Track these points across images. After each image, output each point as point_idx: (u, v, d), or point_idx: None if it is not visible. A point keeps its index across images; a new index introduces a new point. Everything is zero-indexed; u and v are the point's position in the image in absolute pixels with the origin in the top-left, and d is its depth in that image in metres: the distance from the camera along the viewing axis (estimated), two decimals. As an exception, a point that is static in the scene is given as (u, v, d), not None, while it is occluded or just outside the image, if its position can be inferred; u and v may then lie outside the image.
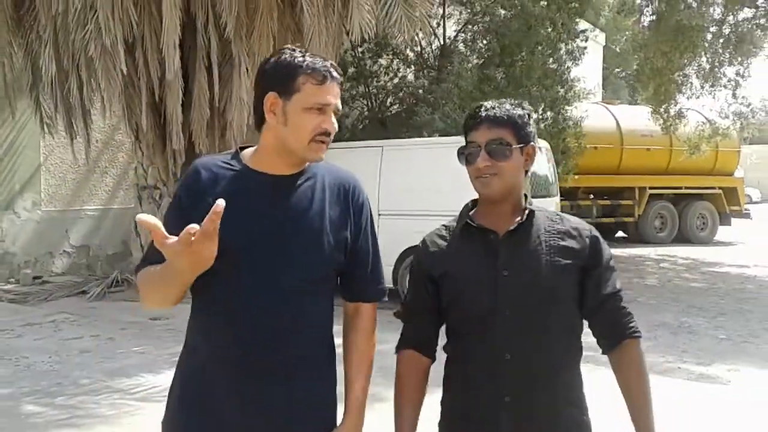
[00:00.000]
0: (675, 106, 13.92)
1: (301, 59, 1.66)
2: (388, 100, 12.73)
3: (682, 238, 16.43)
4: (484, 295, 1.72)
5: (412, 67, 13.04)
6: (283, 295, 1.67)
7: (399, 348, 1.87)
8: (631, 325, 1.76)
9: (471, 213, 1.81)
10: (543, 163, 8.92)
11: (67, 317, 7.38)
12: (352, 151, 9.06)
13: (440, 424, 1.85)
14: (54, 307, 7.92)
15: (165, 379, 4.71)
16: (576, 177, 13.07)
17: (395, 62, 12.82)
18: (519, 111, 1.75)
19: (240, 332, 1.66)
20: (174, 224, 1.58)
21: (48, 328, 6.92)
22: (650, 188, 15.89)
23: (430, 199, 7.83)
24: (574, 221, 1.80)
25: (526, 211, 1.75)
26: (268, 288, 1.66)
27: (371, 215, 1.85)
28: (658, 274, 11.97)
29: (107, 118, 8.94)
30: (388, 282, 8.31)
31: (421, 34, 9.77)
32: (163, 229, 1.41)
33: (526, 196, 1.80)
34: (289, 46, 1.74)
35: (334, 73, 1.69)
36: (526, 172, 1.78)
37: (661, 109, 13.82)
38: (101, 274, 9.78)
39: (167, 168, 8.37)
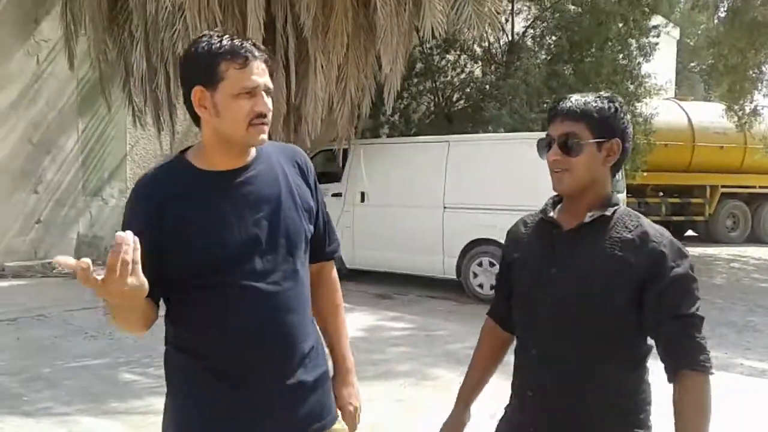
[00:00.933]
0: (750, 103, 13.60)
1: (217, 45, 1.58)
2: (455, 95, 12.89)
3: (755, 238, 16.07)
4: (531, 287, 1.72)
5: (479, 62, 13.16)
6: (266, 282, 1.64)
7: (487, 314, 1.97)
8: (699, 357, 1.57)
9: (557, 206, 1.78)
10: (610, 160, 8.97)
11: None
12: (418, 145, 9.31)
13: (506, 406, 1.89)
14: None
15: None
16: (645, 174, 12.93)
17: (462, 58, 12.96)
18: (600, 104, 1.66)
19: (240, 328, 1.62)
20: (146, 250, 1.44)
21: (135, 307, 7.46)
22: (722, 187, 15.56)
23: (495, 194, 8.00)
24: (649, 231, 1.64)
25: (593, 213, 1.66)
26: (262, 284, 1.63)
27: (317, 179, 1.86)
28: (727, 274, 11.79)
29: (184, 112, 9.47)
30: (451, 273, 8.51)
31: (489, 31, 9.89)
32: (74, 263, 1.22)
33: (613, 195, 1.72)
34: (206, 31, 1.67)
35: (256, 52, 1.61)
36: (615, 168, 1.70)
37: (736, 107, 13.53)
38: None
39: (243, 159, 8.82)
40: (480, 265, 8.32)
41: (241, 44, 1.59)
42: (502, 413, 1.85)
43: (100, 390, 4.65)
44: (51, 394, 4.54)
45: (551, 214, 1.74)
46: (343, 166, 9.62)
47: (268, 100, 1.61)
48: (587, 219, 1.66)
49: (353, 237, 9.42)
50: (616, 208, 1.67)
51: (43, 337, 6.11)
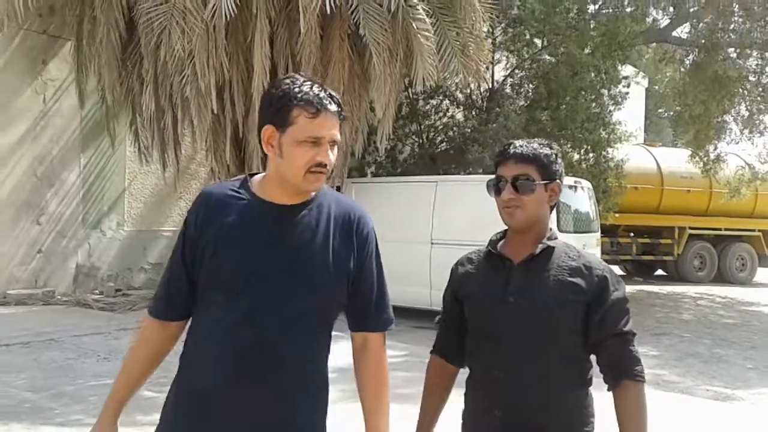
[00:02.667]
0: (714, 150, 14.40)
1: (296, 90, 1.64)
2: (438, 138, 13.56)
3: (721, 278, 16.67)
4: (491, 317, 1.85)
5: (461, 107, 13.89)
6: (283, 325, 1.67)
7: (431, 352, 2.08)
8: (635, 367, 1.79)
9: (500, 242, 1.94)
10: (585, 201, 9.61)
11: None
12: (408, 184, 9.90)
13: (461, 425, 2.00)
14: (140, 316, 8.87)
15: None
16: (617, 215, 13.59)
17: (445, 103, 13.67)
18: (546, 150, 1.86)
19: (239, 359, 1.66)
20: (182, 249, 1.73)
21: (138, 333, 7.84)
22: (690, 228, 16.23)
23: (480, 230, 8.48)
24: (590, 259, 1.85)
25: (543, 245, 1.84)
26: (269, 317, 1.66)
27: (377, 246, 1.85)
28: (694, 310, 12.40)
29: (184, 150, 9.93)
30: (438, 305, 9.04)
31: (471, 79, 10.60)
32: None
33: (551, 230, 1.90)
34: (291, 74, 1.75)
35: (330, 105, 1.66)
36: (552, 207, 1.91)
37: (701, 153, 14.32)
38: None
39: (243, 196, 9.33)
40: (465, 297, 8.84)
41: (318, 94, 1.65)
42: None
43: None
44: (80, 408, 4.92)
45: (498, 248, 1.90)
46: (335, 203, 10.14)
47: (333, 152, 1.67)
48: (537, 250, 1.83)
49: (344, 270, 9.91)
50: (557, 241, 1.87)
51: (58, 359, 6.47)
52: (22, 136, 9.83)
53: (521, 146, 1.86)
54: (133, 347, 1.85)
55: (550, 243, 1.85)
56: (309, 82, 1.67)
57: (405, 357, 7.22)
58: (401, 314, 9.76)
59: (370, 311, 1.84)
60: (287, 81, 1.69)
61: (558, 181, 1.87)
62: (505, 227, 1.92)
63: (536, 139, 1.93)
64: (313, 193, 1.73)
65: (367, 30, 7.78)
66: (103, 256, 10.78)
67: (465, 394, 1.96)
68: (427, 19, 8.05)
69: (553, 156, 1.87)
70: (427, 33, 7.94)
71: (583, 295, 1.78)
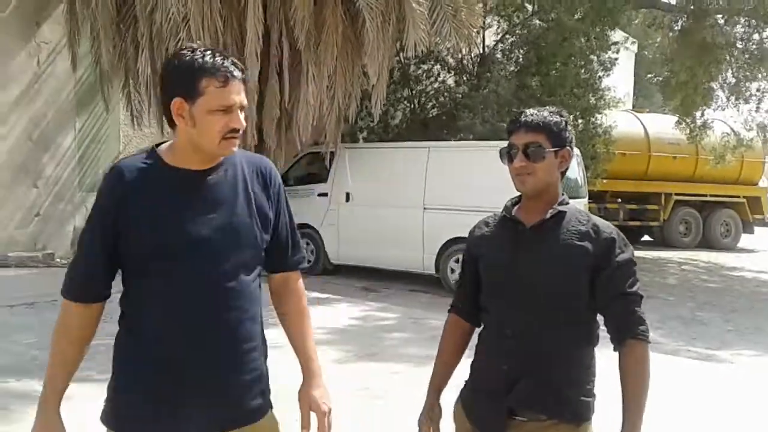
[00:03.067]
0: (701, 116, 14.58)
1: (200, 60, 1.68)
2: (430, 103, 13.65)
3: (706, 243, 17.01)
4: (502, 276, 1.94)
5: (452, 72, 13.96)
6: (219, 283, 1.75)
7: (448, 311, 2.18)
8: (640, 327, 1.84)
9: (514, 207, 2.01)
10: (573, 167, 9.74)
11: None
12: (401, 150, 10.04)
13: (465, 381, 2.10)
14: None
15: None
16: (604, 181, 13.80)
17: (436, 68, 13.73)
18: (556, 118, 1.92)
19: (183, 323, 1.73)
20: (101, 229, 1.73)
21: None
22: (676, 194, 16.52)
23: (471, 196, 8.72)
24: (598, 223, 1.91)
25: (553, 210, 1.92)
26: (206, 278, 1.74)
27: (285, 192, 1.96)
28: (678, 275, 12.75)
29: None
30: (430, 269, 9.23)
31: (463, 44, 10.66)
32: None
33: (563, 195, 1.97)
34: (190, 44, 1.79)
35: (236, 72, 1.72)
36: (563, 173, 1.97)
37: (688, 119, 14.51)
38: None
39: (237, 160, 9.46)
40: (457, 261, 9.04)
41: (223, 63, 1.69)
42: (465, 386, 2.07)
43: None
44: (88, 365, 5.02)
45: (513, 213, 1.99)
46: (329, 168, 10.28)
47: (242, 117, 1.73)
48: (548, 215, 1.90)
49: (338, 234, 10.11)
50: (568, 206, 1.94)
51: (61, 319, 6.64)
52: (17, 98, 9.84)
53: (532, 115, 1.92)
54: (59, 336, 1.80)
55: (561, 208, 1.92)
56: (210, 52, 1.71)
57: (400, 318, 7.48)
58: (395, 278, 10.10)
59: (288, 254, 1.96)
60: (189, 53, 1.71)
61: (568, 147, 1.94)
62: (518, 193, 2.00)
63: (547, 108, 1.98)
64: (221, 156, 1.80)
65: (360, -5, 7.85)
66: (99, 219, 10.88)
67: (476, 346, 2.05)
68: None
69: (563, 123, 1.93)
70: (419, -2, 8.02)
71: (590, 257, 1.85)
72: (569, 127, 1.95)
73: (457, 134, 12.28)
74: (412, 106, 13.56)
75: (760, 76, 13.61)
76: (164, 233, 1.71)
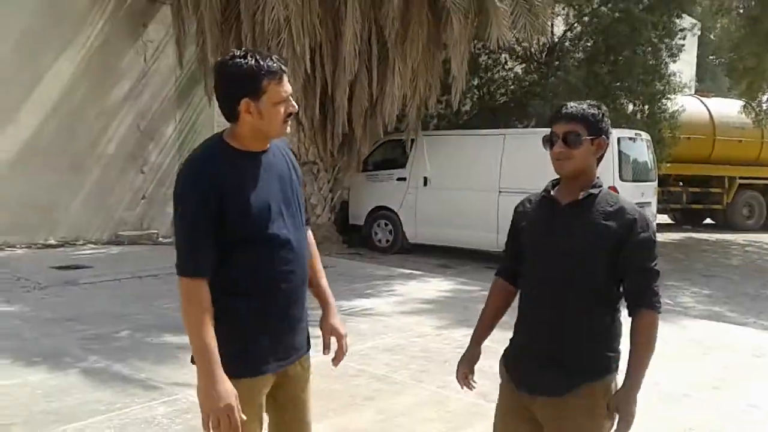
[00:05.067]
0: (767, 101, 14.72)
1: (257, 65, 2.00)
2: (499, 91, 14.19)
3: (769, 227, 17.11)
4: (538, 247, 2.19)
5: (519, 61, 14.46)
6: (296, 240, 2.14)
7: (495, 275, 2.43)
8: (653, 299, 2.09)
9: (554, 187, 2.23)
10: (644, 152, 10.27)
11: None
12: (477, 137, 10.68)
13: (509, 341, 2.35)
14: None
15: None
16: (668, 165, 14.11)
17: (503, 56, 14.24)
18: (593, 110, 2.13)
19: (278, 268, 2.11)
20: (204, 214, 1.98)
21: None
22: (740, 178, 16.65)
23: (543, 179, 9.22)
24: (625, 206, 2.12)
25: (585, 192, 2.13)
26: (285, 232, 2.11)
27: None
28: (742, 256, 13.05)
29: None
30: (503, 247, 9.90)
31: (537, 36, 11.17)
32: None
33: (598, 178, 2.17)
34: (235, 51, 2.06)
35: (284, 68, 2.06)
36: (599, 160, 2.17)
37: (753, 104, 14.67)
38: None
39: (326, 147, 10.28)
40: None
41: (274, 64, 2.03)
42: (509, 344, 2.33)
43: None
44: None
45: (552, 193, 2.21)
46: (408, 154, 10.99)
47: (294, 102, 2.10)
48: (581, 196, 2.13)
49: (416, 215, 10.86)
50: (600, 189, 2.15)
51: (188, 289, 7.56)
52: (126, 93, 10.88)
53: (572, 107, 2.14)
54: (194, 310, 2.00)
55: (593, 191, 2.13)
56: (258, 55, 2.03)
57: (482, 291, 8.13)
58: (468, 256, 10.78)
59: (307, 214, 2.35)
60: (242, 59, 2.02)
61: (604, 137, 2.14)
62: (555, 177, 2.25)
63: (587, 101, 2.20)
64: None
65: (447, -5, 8.50)
66: (196, 202, 11.88)
67: (518, 309, 2.31)
68: (501, -17, 8.71)
69: (600, 115, 2.14)
70: (502, -3, 8.62)
71: (612, 234, 2.06)
72: (606, 119, 2.16)
73: (527, 121, 12.82)
74: (481, 93, 14.13)
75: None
76: (260, 206, 2.04)
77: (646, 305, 2.07)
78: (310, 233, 2.35)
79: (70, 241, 10.29)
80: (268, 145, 2.13)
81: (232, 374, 2.00)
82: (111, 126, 10.75)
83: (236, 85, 2.03)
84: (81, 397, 4.20)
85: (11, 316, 6.16)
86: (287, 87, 2.06)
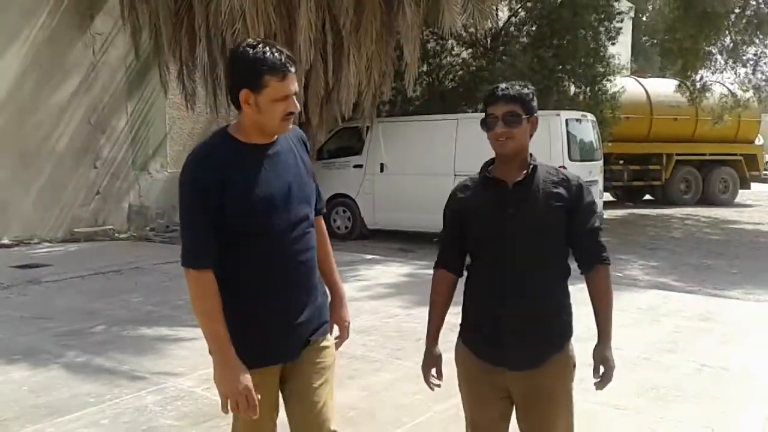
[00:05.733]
0: (700, 80, 15.41)
1: (263, 58, 1.99)
2: (448, 77, 14.45)
3: (706, 200, 17.90)
4: (495, 227, 2.21)
5: (465, 46, 14.73)
6: (295, 228, 2.15)
7: (435, 266, 2.41)
8: (603, 254, 2.25)
9: (489, 168, 2.29)
10: (589, 132, 10.69)
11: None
12: (431, 123, 10.92)
13: (461, 326, 2.39)
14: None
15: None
16: (609, 144, 14.61)
17: (450, 42, 14.47)
18: (526, 90, 2.22)
19: (279, 261, 2.12)
20: (203, 204, 2.01)
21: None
22: (677, 155, 17.36)
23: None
24: (566, 174, 2.26)
25: (531, 166, 2.22)
26: (287, 225, 2.12)
27: None
28: (682, 229, 13.71)
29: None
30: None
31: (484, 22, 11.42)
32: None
33: (531, 155, 2.26)
34: (251, 40, 2.06)
35: (292, 67, 2.04)
36: (531, 135, 2.24)
37: (688, 83, 15.35)
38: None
39: (282, 137, 10.34)
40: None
41: (281, 59, 2.01)
42: (467, 328, 2.37)
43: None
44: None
45: (493, 174, 2.26)
46: (364, 141, 11.15)
47: (296, 102, 2.10)
48: (528, 170, 2.22)
49: (374, 201, 11.06)
50: (538, 162, 2.26)
51: (154, 283, 7.61)
52: (76, 87, 10.68)
53: (507, 88, 2.21)
54: (200, 301, 2.05)
55: (534, 163, 2.24)
56: (270, 49, 2.01)
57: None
58: (426, 239, 11.03)
59: (318, 200, 2.36)
60: (251, 50, 2.02)
61: (536, 115, 2.24)
62: (490, 157, 2.32)
63: (516, 82, 2.28)
64: None
65: (399, -17, 8.66)
66: (151, 196, 11.81)
67: (465, 293, 2.34)
68: (451, -30, 8.90)
69: (531, 95, 2.24)
70: (453, -16, 8.82)
71: (565, 200, 2.19)
72: (535, 98, 2.25)
73: (476, 106, 13.12)
74: (431, 79, 14.36)
75: (756, 41, 14.43)
76: (262, 199, 2.07)
77: (599, 261, 2.24)
78: (321, 222, 2.40)
79: (25, 239, 10.10)
80: (275, 138, 2.15)
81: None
82: (62, 120, 10.55)
83: (239, 75, 2.05)
84: (68, 391, 4.27)
85: (-21, 316, 6.11)
86: (291, 86, 2.04)
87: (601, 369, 2.25)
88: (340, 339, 2.45)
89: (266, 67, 1.98)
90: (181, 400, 4.10)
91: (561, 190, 2.20)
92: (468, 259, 2.36)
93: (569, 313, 2.30)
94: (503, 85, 2.23)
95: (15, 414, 3.90)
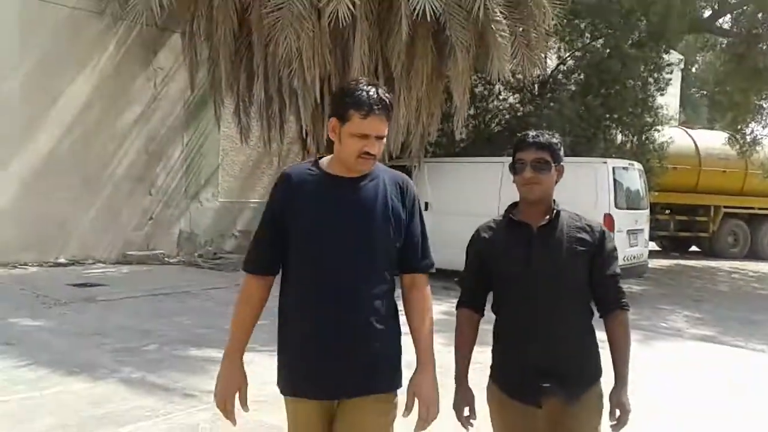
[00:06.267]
0: (751, 133, 15.33)
1: (354, 93, 2.05)
2: (494, 121, 14.66)
3: (754, 255, 17.58)
4: (520, 271, 2.26)
5: (512, 92, 14.95)
6: (357, 268, 2.10)
7: (458, 306, 2.45)
8: (623, 300, 2.30)
9: (513, 211, 2.35)
10: (636, 181, 10.70)
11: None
12: (477, 165, 11.09)
13: (492, 366, 2.41)
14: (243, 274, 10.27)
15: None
16: (656, 194, 14.54)
17: (497, 86, 14.72)
18: (555, 140, 2.30)
19: (326, 300, 2.08)
20: (271, 219, 2.15)
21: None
22: (725, 207, 17.14)
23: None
24: (589, 221, 2.32)
25: (554, 211, 2.28)
26: (345, 263, 2.09)
27: (420, 205, 2.26)
28: (729, 283, 13.48)
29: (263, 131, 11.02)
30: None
31: (533, 70, 11.64)
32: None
33: (554, 201, 2.33)
34: (360, 78, 2.28)
35: (377, 109, 2.04)
36: (556, 182, 2.32)
37: (738, 136, 15.27)
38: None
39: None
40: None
41: (368, 99, 2.04)
42: (498, 370, 2.39)
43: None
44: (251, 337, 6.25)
45: (518, 217, 2.33)
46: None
47: (379, 144, 2.10)
48: (553, 215, 2.28)
49: (417, 240, 11.18)
50: (561, 208, 2.32)
51: (203, 306, 7.87)
52: (137, 117, 11.22)
53: (537, 136, 2.30)
54: (240, 301, 2.23)
55: (558, 209, 2.31)
56: (366, 87, 2.07)
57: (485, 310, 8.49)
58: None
59: (417, 256, 2.24)
60: (352, 84, 2.12)
61: (562, 164, 2.32)
62: (513, 201, 2.40)
63: (545, 131, 2.36)
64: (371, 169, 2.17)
65: (451, 31, 8.94)
66: (201, 223, 12.22)
67: (496, 334, 2.38)
68: (503, 20, 9.16)
69: (559, 144, 2.32)
70: (503, 32, 9.07)
71: (589, 246, 2.26)
72: (562, 148, 2.35)
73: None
74: (477, 122, 14.58)
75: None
76: (310, 221, 2.10)
77: (619, 306, 2.29)
78: (419, 282, 2.25)
79: (80, 260, 10.52)
80: (364, 174, 2.15)
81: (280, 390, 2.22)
82: (122, 148, 11.07)
83: (333, 104, 2.19)
84: (124, 404, 4.47)
85: (39, 329, 6.41)
86: (374, 126, 2.05)
87: (617, 413, 2.28)
88: (418, 423, 2.18)
89: (351, 101, 2.05)
90: (230, 420, 4.26)
91: (585, 236, 2.27)
92: (492, 299, 2.41)
93: (596, 354, 2.34)
94: (533, 133, 2.32)
95: (76, 422, 4.11)
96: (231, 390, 2.20)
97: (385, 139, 2.12)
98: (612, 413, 2.28)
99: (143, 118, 11.30)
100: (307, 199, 2.12)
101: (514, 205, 2.37)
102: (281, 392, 2.22)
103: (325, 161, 2.21)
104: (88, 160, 10.64)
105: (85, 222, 10.71)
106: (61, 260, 10.31)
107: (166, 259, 11.38)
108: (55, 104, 10.24)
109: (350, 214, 2.12)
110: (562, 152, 2.32)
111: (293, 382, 2.17)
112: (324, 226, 2.10)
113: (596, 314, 2.39)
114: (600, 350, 2.37)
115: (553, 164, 2.26)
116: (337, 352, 2.10)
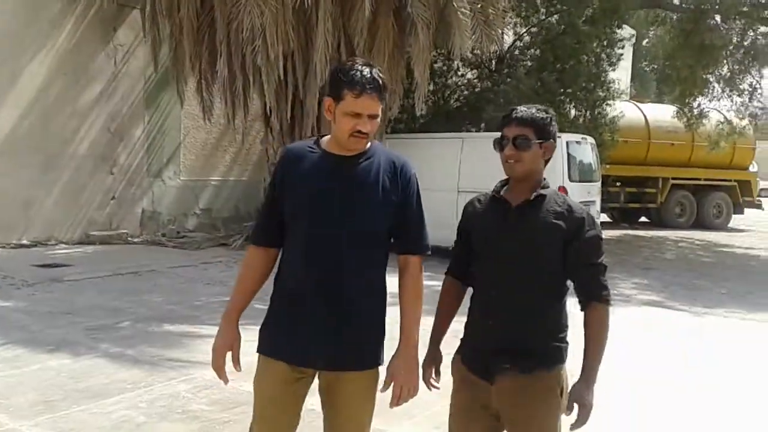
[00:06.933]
0: (698, 106, 15.90)
1: (347, 72, 2.11)
2: (453, 96, 14.90)
3: (700, 224, 18.27)
4: (490, 246, 2.25)
5: (470, 67, 15.19)
6: (343, 243, 2.17)
7: (445, 274, 2.47)
8: (603, 292, 2.18)
9: (503, 188, 2.31)
10: (589, 154, 11.13)
11: (227, 259, 9.84)
12: (437, 140, 11.35)
13: (461, 339, 2.41)
14: (209, 253, 10.40)
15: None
16: (607, 166, 14.99)
17: (456, 63, 14.93)
18: (542, 114, 2.21)
19: (314, 269, 2.17)
20: (272, 193, 2.27)
21: (219, 266, 9.38)
22: (672, 179, 17.78)
23: (498, 180, 10.02)
24: (572, 205, 2.22)
25: (536, 193, 2.21)
26: (332, 237, 2.17)
27: (418, 188, 2.30)
28: (676, 251, 14.09)
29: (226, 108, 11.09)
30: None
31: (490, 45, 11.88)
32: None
33: (544, 179, 2.25)
34: (357, 58, 2.31)
35: (370, 89, 2.09)
36: (546, 162, 2.24)
37: (686, 109, 15.83)
38: (224, 231, 12.16)
39: (295, 149, 10.78)
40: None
41: (362, 79, 2.10)
42: (463, 343, 2.39)
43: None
44: (217, 315, 6.41)
45: (501, 193, 2.29)
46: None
47: (372, 122, 2.14)
48: (531, 197, 2.21)
49: (379, 215, 11.43)
50: (548, 189, 2.24)
51: (172, 284, 7.99)
52: (98, 95, 11.11)
53: (522, 111, 2.23)
54: (244, 269, 2.35)
55: (542, 191, 2.22)
56: (361, 67, 2.13)
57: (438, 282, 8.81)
58: (434, 252, 11.31)
59: (412, 239, 2.30)
60: (347, 64, 2.18)
61: (552, 141, 2.23)
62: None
63: (535, 105, 2.28)
64: (368, 146, 2.24)
65: (413, 8, 9.13)
66: (164, 202, 12.22)
67: (469, 308, 2.38)
68: (462, -3, 9.36)
69: (548, 119, 2.23)
70: (464, 10, 9.28)
71: (563, 233, 2.17)
72: (554, 123, 2.25)
73: (480, 125, 13.55)
74: (436, 98, 14.80)
75: (753, 71, 14.93)
76: (305, 192, 2.19)
77: (596, 298, 2.17)
78: (412, 262, 2.30)
79: (42, 240, 10.47)
80: (360, 153, 2.21)
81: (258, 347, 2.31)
82: (83, 127, 10.97)
83: (328, 84, 2.26)
84: (105, 378, 4.64)
85: (10, 310, 6.49)
86: (366, 106, 2.11)
87: (575, 407, 2.14)
88: (392, 399, 2.27)
89: (345, 80, 2.11)
90: (210, 389, 4.46)
91: (560, 222, 2.18)
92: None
93: (561, 338, 2.25)
94: (521, 108, 2.25)
95: (60, 396, 4.27)
96: (225, 346, 2.31)
97: (378, 119, 2.17)
98: (569, 407, 2.15)
99: (104, 96, 11.20)
100: (302, 173, 2.21)
101: (505, 182, 2.34)
102: (257, 350, 2.30)
103: (325, 140, 2.28)
104: (49, 139, 10.53)
105: (48, 202, 10.63)
106: (24, 241, 10.25)
107: (129, 238, 11.39)
108: (14, 83, 10.09)
109: (341, 189, 2.18)
110: (551, 128, 2.24)
111: (270, 340, 2.28)
112: (315, 200, 2.18)
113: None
114: (574, 341, 2.31)
115: (536, 141, 2.19)
116: (319, 324, 2.19)
